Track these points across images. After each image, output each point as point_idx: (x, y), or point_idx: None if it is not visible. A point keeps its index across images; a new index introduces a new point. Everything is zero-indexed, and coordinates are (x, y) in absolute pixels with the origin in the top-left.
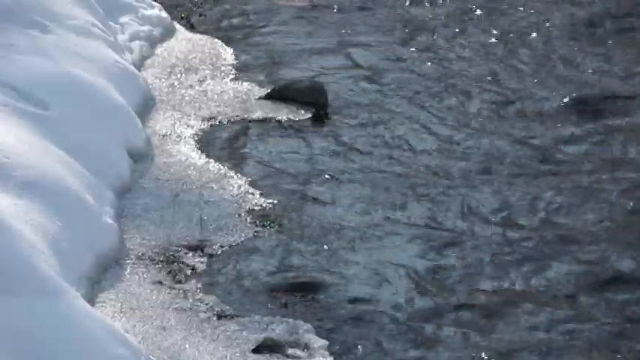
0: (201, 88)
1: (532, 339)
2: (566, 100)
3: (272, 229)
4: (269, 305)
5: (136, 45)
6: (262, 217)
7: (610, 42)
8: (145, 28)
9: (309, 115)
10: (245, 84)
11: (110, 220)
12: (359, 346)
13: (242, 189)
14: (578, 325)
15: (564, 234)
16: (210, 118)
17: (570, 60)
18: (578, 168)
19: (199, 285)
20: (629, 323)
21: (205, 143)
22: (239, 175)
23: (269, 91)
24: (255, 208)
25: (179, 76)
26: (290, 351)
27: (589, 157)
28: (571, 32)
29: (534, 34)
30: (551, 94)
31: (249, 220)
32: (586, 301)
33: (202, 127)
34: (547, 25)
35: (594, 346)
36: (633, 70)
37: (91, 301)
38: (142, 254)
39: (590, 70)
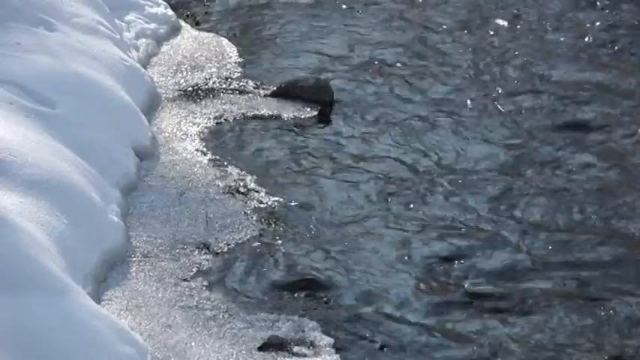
0: (207, 86)
1: None
2: None
3: (278, 227)
4: (275, 303)
5: (142, 43)
6: (268, 215)
7: None
8: (151, 25)
9: (315, 113)
10: (251, 82)
11: (116, 218)
12: (364, 344)
13: (248, 187)
14: None
15: None
16: (216, 116)
17: None
18: None
19: (205, 283)
20: None
21: (211, 141)
22: (245, 173)
23: (275, 88)
24: (261, 206)
25: (185, 73)
26: (296, 349)
27: None
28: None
29: None
30: None
31: (254, 218)
32: None
33: (208, 125)
34: None
35: None
36: None
37: (97, 298)
38: (148, 252)
39: None
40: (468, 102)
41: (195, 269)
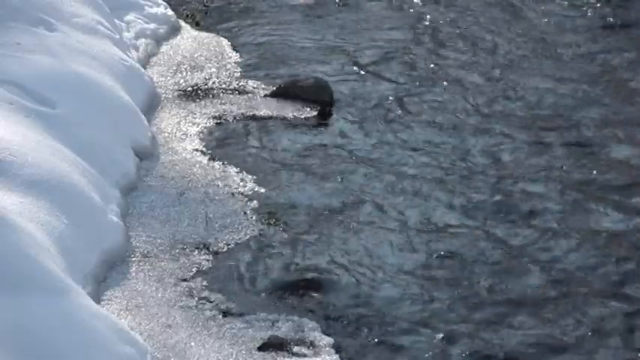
0: (207, 86)
1: None
2: None
3: (277, 227)
4: (275, 303)
5: (141, 43)
6: (268, 215)
7: None
8: (151, 26)
9: (315, 113)
10: (250, 82)
11: (116, 219)
12: (364, 344)
13: (247, 187)
14: None
15: None
16: (215, 116)
17: None
18: None
19: (205, 283)
20: None
21: (211, 141)
22: (244, 173)
23: (274, 88)
24: (261, 206)
25: (185, 74)
26: (296, 349)
27: None
28: None
29: None
30: None
31: (254, 218)
32: None
33: (208, 124)
34: None
35: None
36: None
37: (97, 298)
38: (148, 252)
39: None
40: (470, 101)
41: (195, 269)
